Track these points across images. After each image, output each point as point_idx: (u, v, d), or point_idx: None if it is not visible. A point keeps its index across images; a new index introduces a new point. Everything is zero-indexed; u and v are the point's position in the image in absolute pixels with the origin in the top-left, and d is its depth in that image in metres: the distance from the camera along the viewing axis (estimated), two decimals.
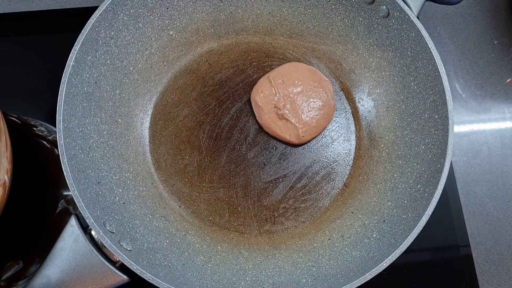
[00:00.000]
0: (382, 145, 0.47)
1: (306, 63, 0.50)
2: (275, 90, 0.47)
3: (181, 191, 0.46)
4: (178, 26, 0.49)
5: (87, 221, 0.37)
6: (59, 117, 0.39)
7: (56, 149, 0.49)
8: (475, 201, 0.51)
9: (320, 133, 0.49)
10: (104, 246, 0.37)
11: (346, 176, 0.48)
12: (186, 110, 0.49)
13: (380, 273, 0.37)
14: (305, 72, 0.48)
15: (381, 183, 0.46)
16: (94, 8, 0.41)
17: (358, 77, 0.50)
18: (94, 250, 0.37)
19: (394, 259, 0.37)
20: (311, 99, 0.47)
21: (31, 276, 0.43)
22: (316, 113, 0.47)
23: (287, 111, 0.47)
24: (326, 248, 0.44)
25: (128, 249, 0.39)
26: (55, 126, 0.39)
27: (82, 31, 0.41)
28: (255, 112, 0.48)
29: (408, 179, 0.43)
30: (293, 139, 0.47)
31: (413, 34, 0.43)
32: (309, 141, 0.48)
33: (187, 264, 0.42)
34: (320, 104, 0.48)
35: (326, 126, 0.49)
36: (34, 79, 0.52)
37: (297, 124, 0.47)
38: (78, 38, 0.40)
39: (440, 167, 0.40)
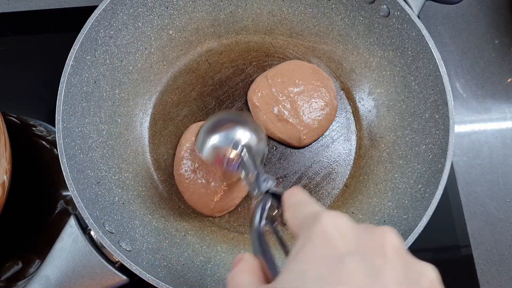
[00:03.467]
0: (383, 145, 0.47)
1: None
2: (274, 90, 0.47)
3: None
4: (177, 25, 0.48)
5: (87, 221, 0.37)
6: (58, 117, 0.39)
7: (55, 149, 0.49)
8: (476, 201, 0.50)
9: (322, 134, 0.48)
10: (104, 247, 0.37)
11: (347, 176, 0.48)
12: (185, 109, 0.49)
13: None
14: (306, 70, 0.48)
15: (381, 183, 0.46)
16: (94, 8, 0.41)
17: (359, 76, 0.49)
18: (94, 251, 0.37)
19: None
20: (313, 99, 0.47)
21: (31, 277, 0.43)
22: (318, 114, 0.47)
23: (286, 112, 0.46)
24: None
25: (128, 249, 0.39)
26: (54, 126, 0.39)
27: (82, 30, 0.41)
28: (252, 113, 0.48)
29: (408, 179, 0.43)
30: (294, 142, 0.47)
31: (414, 34, 0.43)
32: (310, 144, 0.48)
33: (187, 264, 0.42)
34: (322, 104, 0.47)
35: (328, 127, 0.48)
36: (34, 79, 0.52)
37: (298, 126, 0.46)
38: (78, 38, 0.40)
39: (441, 167, 0.40)
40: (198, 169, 0.45)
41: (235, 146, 0.34)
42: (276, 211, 0.28)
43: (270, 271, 0.23)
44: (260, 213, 0.27)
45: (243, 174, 0.32)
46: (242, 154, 0.33)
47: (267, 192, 0.29)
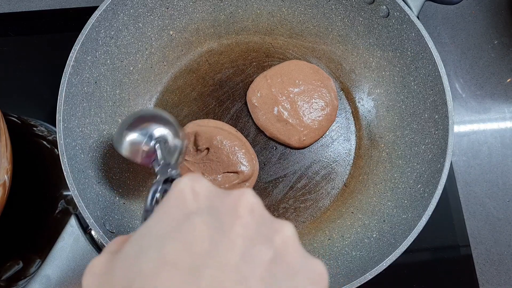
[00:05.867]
0: (382, 145, 0.47)
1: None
2: (273, 90, 0.47)
3: None
4: (178, 26, 0.49)
5: (87, 221, 0.37)
6: (59, 117, 0.39)
7: (56, 149, 0.49)
8: (475, 201, 0.51)
9: (323, 135, 0.48)
10: (104, 246, 0.37)
11: (346, 176, 0.48)
12: (186, 110, 0.49)
13: (380, 273, 0.37)
14: (306, 70, 0.48)
15: (381, 183, 0.46)
16: (94, 8, 0.41)
17: (358, 77, 0.50)
18: (94, 250, 0.37)
19: (394, 259, 0.37)
20: (313, 100, 0.47)
21: (31, 276, 0.43)
22: (319, 115, 0.47)
23: (286, 113, 0.46)
24: (326, 248, 0.44)
25: None
26: (55, 126, 0.39)
27: (82, 31, 0.41)
28: (251, 113, 0.48)
29: (408, 179, 0.43)
30: (293, 142, 0.47)
31: (413, 34, 0.43)
32: (310, 145, 0.48)
33: None
34: (323, 104, 0.47)
35: (328, 128, 0.48)
36: (34, 79, 0.52)
37: (298, 127, 0.46)
38: (78, 38, 0.40)
39: (440, 167, 0.40)
40: (191, 170, 0.45)
41: (148, 140, 0.35)
42: None
43: None
44: (152, 195, 0.28)
45: (156, 167, 0.33)
46: (156, 147, 0.35)
47: (167, 180, 0.30)
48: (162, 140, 0.35)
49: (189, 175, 0.22)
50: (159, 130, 0.36)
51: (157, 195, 0.29)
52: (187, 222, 0.19)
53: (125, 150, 0.35)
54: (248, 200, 0.20)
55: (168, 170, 0.31)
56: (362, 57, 0.49)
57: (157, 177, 0.31)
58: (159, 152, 0.34)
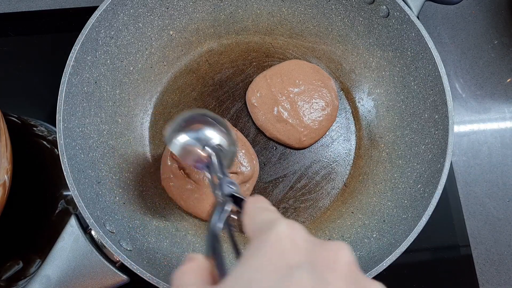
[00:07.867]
0: (382, 145, 0.47)
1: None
2: (273, 90, 0.47)
3: None
4: (178, 26, 0.49)
5: (87, 221, 0.37)
6: (59, 117, 0.39)
7: (56, 149, 0.49)
8: (475, 201, 0.51)
9: (323, 135, 0.48)
10: (104, 246, 0.37)
11: (346, 176, 0.48)
12: (186, 110, 0.49)
13: (380, 273, 0.37)
14: (307, 70, 0.48)
15: (381, 183, 0.46)
16: (94, 8, 0.41)
17: (358, 77, 0.50)
18: (94, 250, 0.37)
19: (394, 259, 0.37)
20: (314, 100, 0.47)
21: (31, 276, 0.43)
22: (319, 115, 0.47)
23: (286, 113, 0.46)
24: None
25: (128, 249, 0.39)
26: (55, 126, 0.39)
27: (82, 31, 0.41)
28: (251, 113, 0.48)
29: (408, 179, 0.43)
30: (293, 143, 0.47)
31: (413, 34, 0.43)
32: (311, 145, 0.48)
33: None
34: (323, 105, 0.47)
35: (329, 128, 0.48)
36: (34, 79, 0.52)
37: (298, 127, 0.46)
38: (78, 38, 0.40)
39: (440, 167, 0.40)
40: (186, 173, 0.44)
41: (206, 146, 0.34)
42: (236, 217, 0.28)
43: (218, 273, 0.23)
44: (219, 215, 0.27)
45: (208, 174, 0.32)
46: (212, 155, 0.33)
47: (229, 196, 0.29)
48: (218, 149, 0.33)
49: (285, 221, 0.22)
50: (219, 138, 0.34)
51: (224, 215, 0.27)
52: (291, 277, 0.19)
53: (177, 149, 0.33)
54: (347, 255, 0.20)
55: (227, 184, 0.29)
56: (362, 57, 0.49)
57: (219, 194, 0.29)
58: (216, 163, 0.32)
